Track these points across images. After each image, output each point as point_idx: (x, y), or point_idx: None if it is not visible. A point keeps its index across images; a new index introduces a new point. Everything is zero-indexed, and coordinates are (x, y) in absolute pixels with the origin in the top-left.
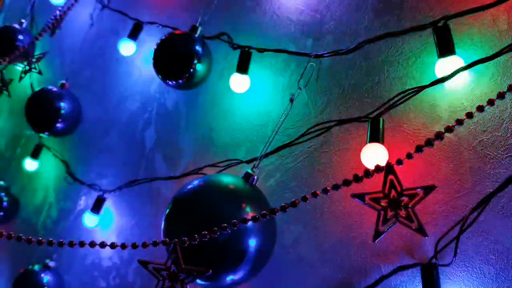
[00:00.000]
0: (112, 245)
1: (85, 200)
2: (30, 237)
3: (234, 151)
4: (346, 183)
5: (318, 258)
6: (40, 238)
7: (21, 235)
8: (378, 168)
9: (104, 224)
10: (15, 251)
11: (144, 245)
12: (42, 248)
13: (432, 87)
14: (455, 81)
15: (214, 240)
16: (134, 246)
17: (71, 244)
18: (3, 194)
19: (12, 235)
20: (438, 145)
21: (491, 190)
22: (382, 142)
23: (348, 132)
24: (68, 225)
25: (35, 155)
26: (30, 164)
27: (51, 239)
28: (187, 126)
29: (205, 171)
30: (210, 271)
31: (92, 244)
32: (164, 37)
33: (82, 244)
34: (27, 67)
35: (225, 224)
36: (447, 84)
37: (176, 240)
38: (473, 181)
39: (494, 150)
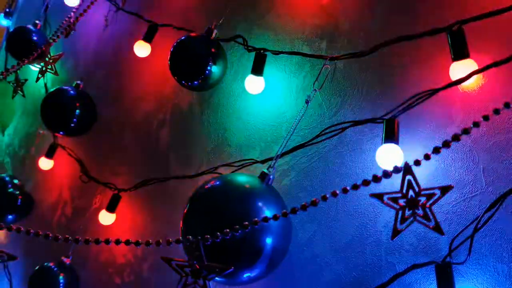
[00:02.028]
0: (137, 243)
1: (101, 198)
2: (57, 235)
3: (248, 151)
4: (365, 183)
5: (333, 256)
6: (67, 236)
7: (48, 232)
8: (396, 169)
9: (119, 222)
10: (30, 249)
11: (168, 242)
12: (57, 245)
13: (446, 89)
14: (469, 84)
15: (233, 238)
16: (157, 243)
17: (97, 242)
18: (17, 192)
19: (40, 232)
20: (452, 146)
21: (505, 191)
22: (397, 143)
23: (362, 133)
24: (83, 223)
25: (50, 154)
26: (45, 163)
27: (77, 236)
28: (201, 126)
29: (220, 170)
30: (232, 268)
31: (118, 242)
32: (180, 39)
33: (107, 241)
34: (44, 68)
35: (247, 223)
36: (461, 86)
37: (199, 237)
38: (486, 182)
39: (508, 151)
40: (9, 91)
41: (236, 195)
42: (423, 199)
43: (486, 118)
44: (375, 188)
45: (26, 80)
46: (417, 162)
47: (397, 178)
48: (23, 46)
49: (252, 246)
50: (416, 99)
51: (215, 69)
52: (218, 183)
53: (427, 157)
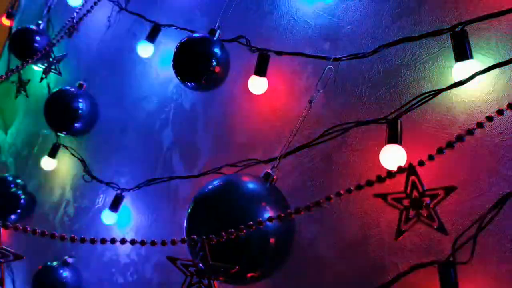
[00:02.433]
0: (142, 242)
1: (104, 198)
2: (63, 234)
3: (251, 151)
4: (369, 183)
5: (336, 256)
6: (73, 236)
7: (54, 232)
8: (400, 169)
9: (121, 222)
10: (32, 248)
11: (173, 242)
12: (59, 245)
13: (449, 90)
14: (471, 85)
15: (237, 238)
16: (163, 243)
17: (103, 241)
18: (20, 191)
19: (46, 232)
20: (456, 147)
21: (508, 191)
22: (400, 144)
23: (366, 133)
24: (85, 222)
25: (52, 154)
26: (47, 163)
27: (83, 236)
28: (204, 126)
29: (224, 170)
30: (237, 267)
31: (123, 241)
32: (183, 40)
33: (113, 241)
34: (48, 68)
35: (251, 223)
36: (464, 87)
37: (204, 237)
38: (489, 182)
39: (511, 152)
40: (12, 91)
41: (240, 195)
42: (427, 200)
43: (490, 119)
44: (378, 188)
45: (29, 80)
46: (421, 163)
47: (399, 179)
48: (26, 46)
49: (256, 246)
50: (419, 99)
51: (218, 70)
52: (222, 183)
53: (431, 157)
